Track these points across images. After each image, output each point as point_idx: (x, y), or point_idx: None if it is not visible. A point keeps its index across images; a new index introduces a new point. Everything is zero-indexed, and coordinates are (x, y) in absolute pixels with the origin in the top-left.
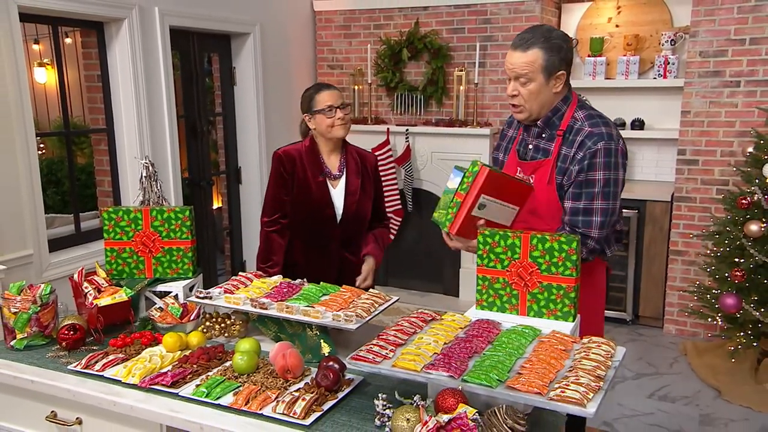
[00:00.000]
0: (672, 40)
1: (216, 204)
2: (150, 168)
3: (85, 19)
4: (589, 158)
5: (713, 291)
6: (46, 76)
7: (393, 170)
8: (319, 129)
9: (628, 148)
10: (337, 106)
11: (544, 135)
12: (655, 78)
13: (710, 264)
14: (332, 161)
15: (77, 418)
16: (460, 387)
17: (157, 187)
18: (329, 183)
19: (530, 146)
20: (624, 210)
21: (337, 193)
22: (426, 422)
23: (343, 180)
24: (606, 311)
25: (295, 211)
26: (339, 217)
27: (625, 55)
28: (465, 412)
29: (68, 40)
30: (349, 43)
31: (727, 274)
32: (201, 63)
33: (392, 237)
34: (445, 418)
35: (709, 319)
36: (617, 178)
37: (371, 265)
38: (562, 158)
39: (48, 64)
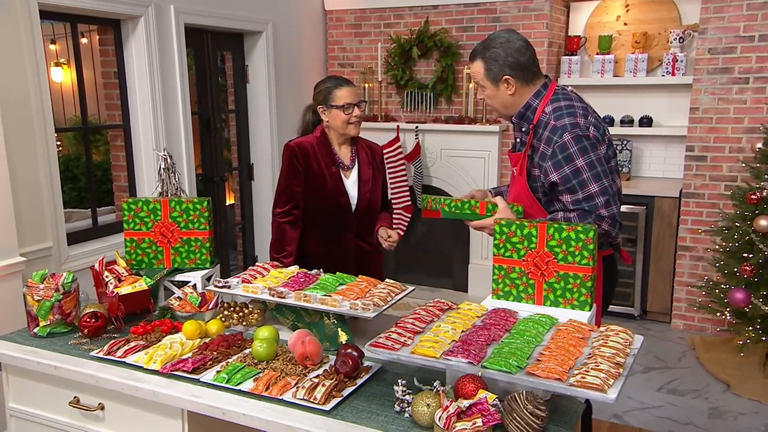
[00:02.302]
0: (680, 37)
1: (228, 201)
2: (168, 160)
3: (102, 16)
4: (560, 152)
5: (722, 286)
6: (62, 76)
7: (403, 167)
8: (332, 123)
9: (636, 145)
10: (355, 103)
11: (523, 129)
12: (663, 75)
13: (719, 259)
14: (343, 152)
15: (100, 404)
16: (479, 373)
17: (175, 179)
18: (342, 174)
19: (517, 140)
20: (632, 206)
21: (351, 183)
22: (447, 407)
23: (355, 170)
24: (614, 306)
25: (310, 202)
26: (354, 207)
27: (633, 53)
28: (485, 397)
29: (84, 40)
30: (360, 41)
31: (736, 269)
32: (214, 61)
33: (401, 233)
34: (466, 403)
35: (718, 314)
36: (599, 158)
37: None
38: (535, 151)
39: (64, 64)
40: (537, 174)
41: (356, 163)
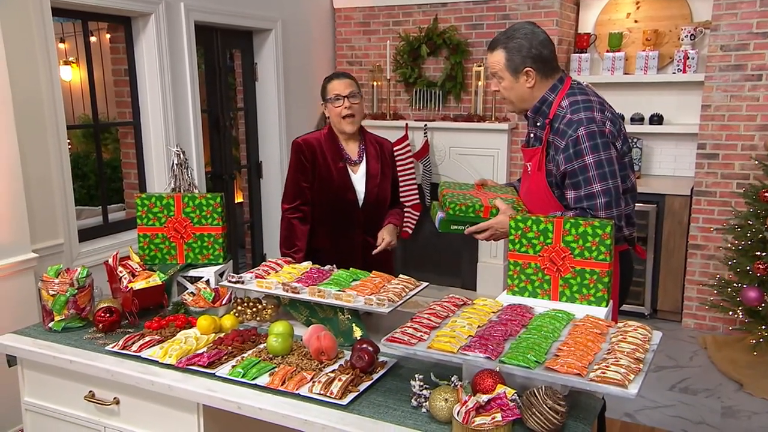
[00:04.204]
0: (692, 34)
1: (237, 199)
2: (181, 156)
3: (113, 14)
4: (573, 146)
5: (734, 284)
6: (71, 74)
7: (411, 165)
8: (331, 118)
9: (646, 143)
10: (345, 95)
11: (538, 124)
12: (674, 73)
13: (731, 258)
14: (351, 147)
15: (115, 398)
16: (497, 368)
17: (188, 175)
18: (349, 169)
19: (531, 135)
20: (642, 204)
21: (358, 178)
22: (465, 402)
23: (363, 165)
24: (624, 305)
25: (317, 197)
26: (361, 202)
27: (644, 51)
28: (504, 392)
29: (92, 39)
30: (369, 39)
31: (748, 268)
32: (224, 59)
33: (410, 231)
34: (485, 398)
35: (730, 313)
36: (609, 158)
37: (391, 229)
38: (551, 146)
39: (73, 62)
40: (551, 168)
41: (364, 157)
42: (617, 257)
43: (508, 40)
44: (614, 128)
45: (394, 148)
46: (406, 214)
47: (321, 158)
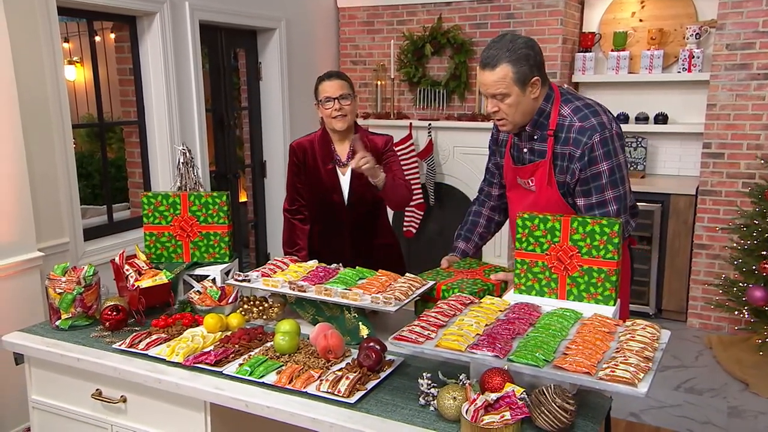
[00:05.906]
0: (697, 33)
1: (241, 198)
2: (187, 154)
3: (118, 13)
4: (588, 154)
5: (740, 284)
6: (75, 74)
7: (415, 165)
8: (324, 119)
9: (651, 143)
10: (335, 97)
11: (535, 137)
12: (679, 72)
13: (736, 257)
14: (343, 149)
15: (122, 396)
16: (506, 366)
17: (194, 173)
18: (339, 170)
19: (524, 150)
20: (647, 204)
21: (346, 179)
22: (474, 400)
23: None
24: (629, 305)
25: (309, 198)
26: (346, 202)
27: (649, 50)
28: (513, 390)
29: (97, 38)
30: (373, 38)
31: (754, 267)
32: (228, 58)
33: (414, 231)
34: (494, 396)
35: (735, 312)
36: (620, 163)
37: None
38: (558, 157)
39: (77, 62)
40: (563, 179)
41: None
42: (625, 252)
43: (511, 53)
44: (619, 128)
45: (398, 148)
46: (410, 214)
47: (311, 160)
